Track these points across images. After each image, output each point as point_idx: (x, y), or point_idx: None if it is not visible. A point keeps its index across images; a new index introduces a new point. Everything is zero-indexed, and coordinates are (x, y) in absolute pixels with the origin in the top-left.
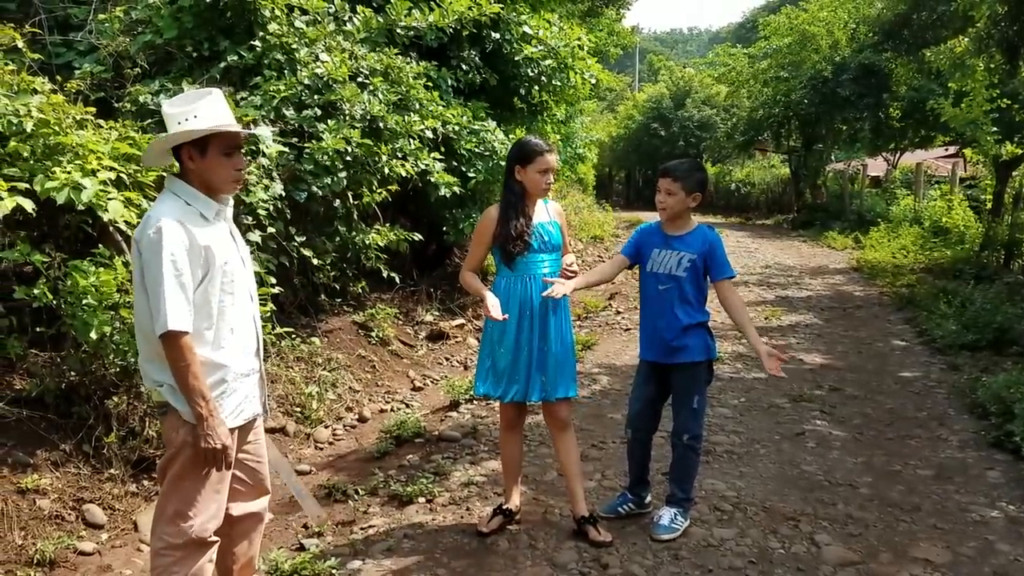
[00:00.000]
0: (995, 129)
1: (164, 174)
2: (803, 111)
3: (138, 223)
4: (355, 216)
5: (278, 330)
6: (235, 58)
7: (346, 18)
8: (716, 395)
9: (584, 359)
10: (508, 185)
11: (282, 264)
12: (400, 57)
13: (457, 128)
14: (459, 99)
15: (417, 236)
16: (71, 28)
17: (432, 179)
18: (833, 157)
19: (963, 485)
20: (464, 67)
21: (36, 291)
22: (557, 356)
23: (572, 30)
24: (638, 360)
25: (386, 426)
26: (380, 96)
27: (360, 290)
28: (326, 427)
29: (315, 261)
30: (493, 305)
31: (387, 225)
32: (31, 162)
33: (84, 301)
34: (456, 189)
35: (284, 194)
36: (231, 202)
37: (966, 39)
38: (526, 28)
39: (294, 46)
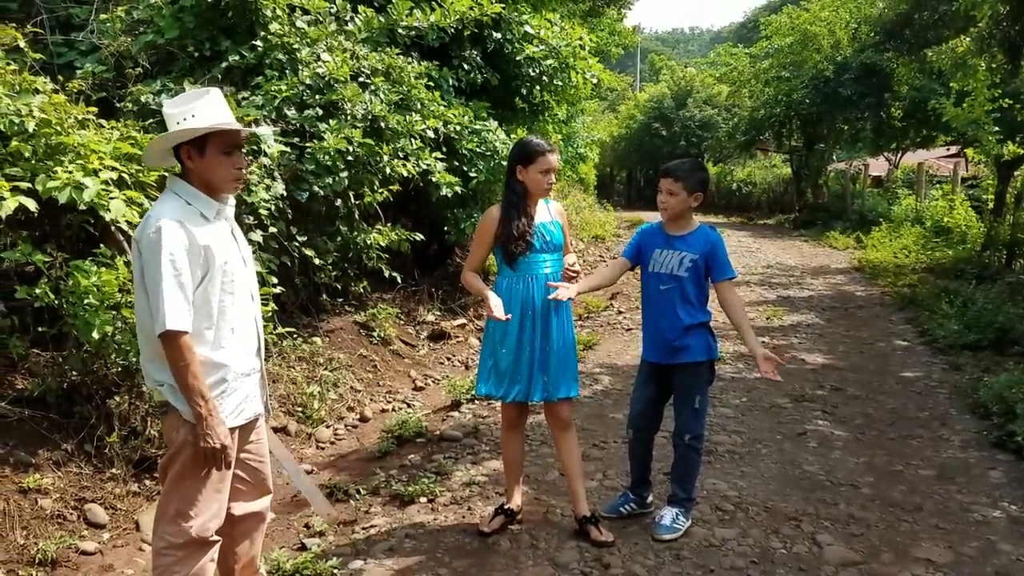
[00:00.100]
0: (997, 129)
1: (166, 174)
2: (804, 111)
3: (139, 223)
4: (356, 216)
5: (280, 330)
6: (237, 58)
7: (347, 18)
8: (718, 395)
9: (586, 359)
10: (510, 185)
11: (284, 264)
12: (402, 57)
13: (458, 128)
14: (460, 99)
15: (418, 236)
16: (73, 28)
17: (433, 179)
18: (835, 157)
19: (965, 485)
20: (465, 67)
21: (38, 291)
22: (559, 356)
23: (573, 30)
24: (639, 360)
25: (387, 426)
26: (382, 96)
27: (361, 290)
28: (327, 427)
29: (317, 261)
30: (496, 305)
31: (388, 225)
32: (33, 162)
33: (86, 301)
34: (457, 189)
35: (286, 194)
36: (232, 201)
37: (968, 39)
38: (527, 28)
39: (295, 46)
